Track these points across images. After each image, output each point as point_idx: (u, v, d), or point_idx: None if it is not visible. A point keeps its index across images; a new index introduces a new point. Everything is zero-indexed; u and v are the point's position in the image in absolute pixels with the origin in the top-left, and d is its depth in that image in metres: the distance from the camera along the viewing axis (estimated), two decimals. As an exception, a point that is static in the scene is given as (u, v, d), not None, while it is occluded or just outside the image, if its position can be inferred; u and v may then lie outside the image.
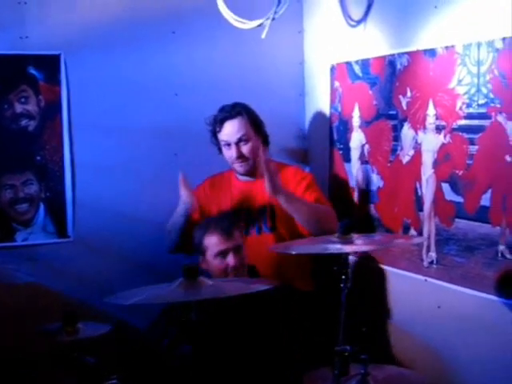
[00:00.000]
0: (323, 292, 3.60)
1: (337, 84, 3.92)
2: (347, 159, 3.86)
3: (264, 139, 3.79)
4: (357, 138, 3.78)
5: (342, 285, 2.67)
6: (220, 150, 3.76)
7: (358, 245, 2.74)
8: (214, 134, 3.74)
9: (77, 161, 3.80)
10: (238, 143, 3.67)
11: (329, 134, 4.00)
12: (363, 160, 3.73)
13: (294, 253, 2.73)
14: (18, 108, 3.67)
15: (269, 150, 3.74)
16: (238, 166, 3.73)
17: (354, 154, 3.80)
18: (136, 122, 3.82)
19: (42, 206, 3.75)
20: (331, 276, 2.70)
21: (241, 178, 3.79)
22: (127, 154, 3.76)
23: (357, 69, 3.74)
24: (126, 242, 3.86)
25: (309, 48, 4.19)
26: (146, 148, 3.83)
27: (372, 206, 3.68)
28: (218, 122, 3.70)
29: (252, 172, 3.76)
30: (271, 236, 3.71)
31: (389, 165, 3.53)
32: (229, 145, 3.69)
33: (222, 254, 3.30)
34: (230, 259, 3.27)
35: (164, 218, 3.72)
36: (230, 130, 3.68)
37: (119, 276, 3.83)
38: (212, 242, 3.32)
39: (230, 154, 3.71)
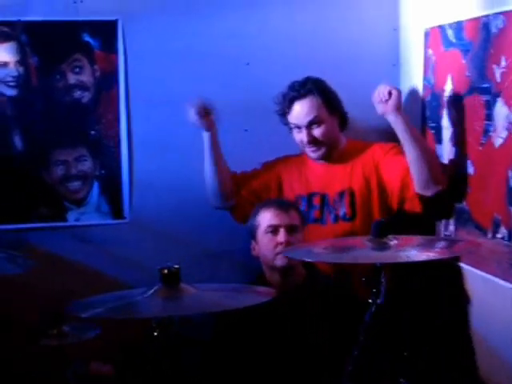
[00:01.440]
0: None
1: (430, 52, 3.39)
2: (439, 140, 3.33)
3: (341, 120, 3.36)
4: (448, 116, 3.25)
5: (370, 300, 2.20)
6: (291, 129, 3.36)
7: (394, 252, 2.22)
8: (284, 114, 3.34)
9: (134, 136, 3.51)
10: (309, 126, 3.27)
11: (421, 111, 3.47)
12: (454, 142, 3.20)
13: (307, 260, 2.22)
14: (72, 79, 3.43)
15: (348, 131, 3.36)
16: (310, 152, 3.33)
17: (446, 135, 3.27)
18: (202, 93, 3.41)
19: (95, 184, 3.50)
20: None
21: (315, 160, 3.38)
22: (191, 129, 3.38)
23: (450, 33, 3.21)
24: (186, 224, 3.54)
25: (404, 11, 3.65)
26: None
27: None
28: (286, 101, 3.31)
29: (327, 157, 3.35)
30: (349, 225, 3.28)
31: (480, 148, 3.00)
32: (299, 128, 3.29)
33: (273, 229, 2.99)
34: (281, 236, 2.94)
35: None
36: (300, 112, 3.28)
37: (178, 261, 3.51)
38: (265, 218, 3.04)
39: (300, 137, 3.31)
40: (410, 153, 3.09)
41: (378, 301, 2.19)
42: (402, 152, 3.18)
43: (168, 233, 3.52)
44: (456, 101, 3.16)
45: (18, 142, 3.40)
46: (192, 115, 3.21)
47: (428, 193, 3.10)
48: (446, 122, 3.27)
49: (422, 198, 3.13)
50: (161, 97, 3.48)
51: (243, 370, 2.75)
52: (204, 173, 3.34)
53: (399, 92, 3.10)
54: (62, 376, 2.27)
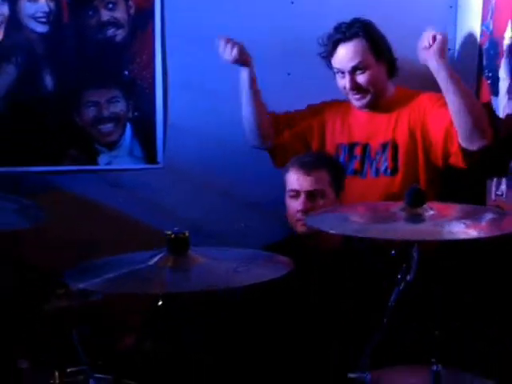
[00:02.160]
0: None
1: (490, -6, 3.10)
2: (495, 92, 3.06)
3: (390, 67, 3.13)
4: (507, 66, 2.98)
5: (398, 276, 2.01)
6: (335, 74, 3.15)
7: (430, 226, 2.00)
8: (327, 57, 3.13)
9: (170, 77, 3.32)
10: (352, 72, 3.06)
11: (478, 59, 3.20)
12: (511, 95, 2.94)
13: (332, 231, 1.99)
14: (105, 15, 3.24)
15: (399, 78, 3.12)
16: (354, 99, 3.13)
17: (503, 86, 3.00)
18: (243, 34, 3.17)
19: (128, 127, 3.33)
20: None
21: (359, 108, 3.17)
22: (231, 72, 3.19)
23: (513, -25, 2.91)
24: (223, 171, 3.36)
25: None
26: (255, 66, 3.16)
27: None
28: (330, 43, 3.09)
29: (372, 106, 3.13)
30: (391, 180, 3.08)
31: (539, 103, 2.75)
32: (342, 73, 3.08)
33: (295, 194, 2.80)
34: (300, 202, 2.75)
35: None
36: (344, 56, 3.07)
37: (214, 210, 3.39)
38: (289, 180, 2.84)
39: (343, 83, 3.10)
40: (452, 103, 2.85)
41: (408, 277, 1.98)
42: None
43: (203, 179, 3.36)
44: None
45: (48, 81, 3.24)
46: (229, 52, 3.02)
47: (473, 147, 2.87)
48: (503, 73, 3.00)
49: (467, 152, 2.91)
50: (199, 36, 3.25)
51: (271, 333, 2.59)
52: (242, 112, 3.16)
53: (444, 38, 2.84)
54: (68, 337, 2.14)
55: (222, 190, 3.38)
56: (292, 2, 3.33)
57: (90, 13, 3.24)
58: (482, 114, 2.88)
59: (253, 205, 3.36)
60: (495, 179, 3.05)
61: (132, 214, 3.34)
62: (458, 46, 3.39)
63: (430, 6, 3.39)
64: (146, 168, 3.37)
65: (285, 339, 2.48)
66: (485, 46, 3.15)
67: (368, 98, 3.10)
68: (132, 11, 3.26)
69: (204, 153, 3.35)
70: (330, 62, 3.13)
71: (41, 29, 3.22)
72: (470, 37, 3.27)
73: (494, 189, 3.06)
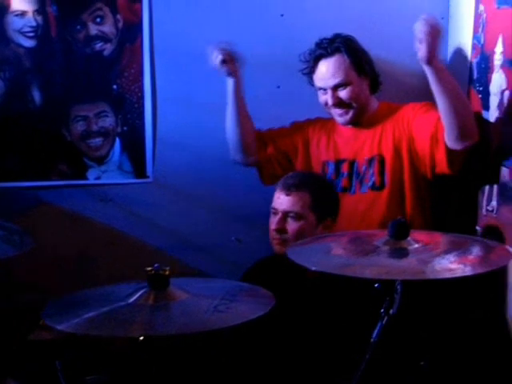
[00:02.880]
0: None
1: (481, 8, 3.07)
2: (486, 106, 3.03)
3: (372, 82, 3.11)
4: (497, 81, 2.95)
5: (381, 310, 1.99)
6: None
7: (415, 262, 1.97)
8: (309, 73, 3.12)
9: (158, 91, 3.31)
10: (334, 88, 3.04)
11: (468, 72, 3.17)
12: (502, 110, 2.91)
13: (313, 269, 1.96)
14: (93, 29, 3.23)
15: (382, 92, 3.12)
16: (337, 115, 3.11)
17: (494, 101, 2.97)
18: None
19: (117, 142, 3.32)
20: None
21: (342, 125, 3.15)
22: (219, 85, 3.17)
23: (504, -11, 2.88)
24: (213, 185, 3.36)
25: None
26: (243, 79, 3.15)
27: (506, 171, 2.87)
28: (312, 59, 3.08)
29: (356, 122, 3.11)
30: (378, 195, 3.07)
31: (529, 121, 2.72)
32: (325, 89, 3.06)
33: (274, 212, 2.78)
34: (274, 221, 2.74)
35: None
36: (325, 73, 3.05)
37: (205, 224, 3.39)
38: (274, 197, 2.81)
39: (324, 99, 3.08)
40: (442, 101, 2.80)
41: (391, 311, 1.97)
42: (433, 107, 2.92)
43: (193, 193, 3.36)
44: (506, 66, 2.86)
45: (36, 96, 3.24)
46: (215, 59, 2.98)
47: (458, 146, 2.85)
48: (494, 88, 2.97)
49: (452, 154, 2.88)
50: (188, 50, 3.24)
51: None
52: (226, 124, 3.14)
53: (436, 30, 2.70)
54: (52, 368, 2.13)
55: (213, 204, 3.38)
56: (282, 15, 3.30)
57: (78, 27, 3.22)
58: (469, 115, 2.85)
59: (244, 218, 3.35)
60: (486, 194, 3.04)
61: (122, 228, 3.35)
62: (448, 58, 3.36)
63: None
64: (136, 182, 3.36)
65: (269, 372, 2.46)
66: (476, 60, 3.12)
67: (351, 113, 3.07)
68: (120, 25, 3.24)
69: (194, 166, 3.34)
70: (311, 78, 3.11)
71: (28, 43, 3.21)
72: (461, 49, 3.24)
73: (484, 203, 3.05)
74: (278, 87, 3.33)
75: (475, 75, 3.12)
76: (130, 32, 3.25)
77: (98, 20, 3.22)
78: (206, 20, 3.26)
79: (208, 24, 3.25)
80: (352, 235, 2.35)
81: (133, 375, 2.31)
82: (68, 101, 3.26)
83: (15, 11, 3.18)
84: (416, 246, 2.02)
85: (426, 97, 3.03)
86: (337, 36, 3.04)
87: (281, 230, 2.73)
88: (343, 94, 3.03)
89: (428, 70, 2.75)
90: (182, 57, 3.26)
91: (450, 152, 2.88)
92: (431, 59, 2.71)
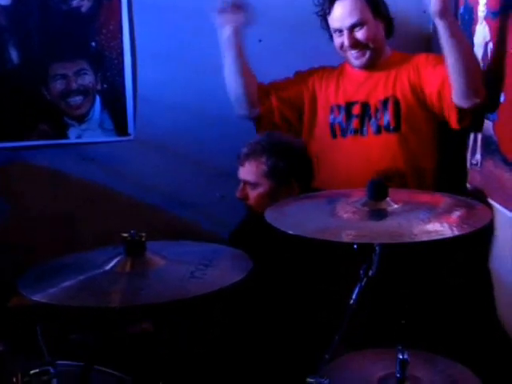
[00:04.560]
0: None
1: (465, -42, 3.01)
2: (470, 57, 3.00)
3: (387, 25, 3.07)
4: (481, 33, 2.92)
5: (361, 272, 1.98)
6: (331, 36, 3.09)
7: (394, 225, 1.93)
8: (324, 16, 3.06)
9: (138, 47, 3.25)
10: (351, 29, 2.99)
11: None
12: (486, 62, 2.87)
13: (290, 232, 1.94)
14: (69, -15, 3.16)
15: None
16: (354, 58, 3.06)
17: (478, 53, 2.93)
18: (213, 2, 3.13)
19: (98, 99, 3.28)
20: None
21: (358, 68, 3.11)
22: (200, 39, 3.14)
23: None
24: (194, 140, 3.33)
25: None
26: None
27: (490, 125, 2.85)
28: (327, 1, 3.02)
29: (372, 64, 3.07)
30: (393, 137, 3.03)
31: (514, 73, 2.68)
32: (341, 31, 3.01)
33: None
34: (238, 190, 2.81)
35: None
36: (341, 13, 2.99)
37: (188, 181, 3.37)
38: None
39: (340, 41, 3.04)
40: (450, 59, 2.76)
41: (370, 272, 1.96)
42: (443, 62, 2.85)
43: (175, 151, 3.33)
44: (490, 17, 2.82)
45: (13, 55, 3.17)
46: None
47: (466, 104, 2.82)
48: (478, 39, 2.94)
49: (460, 111, 2.86)
50: (167, 4, 3.19)
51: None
52: (226, 76, 3.08)
53: None
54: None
55: (195, 161, 3.36)
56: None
57: (54, -18, 3.15)
58: (478, 73, 2.80)
59: (226, 174, 3.29)
60: (470, 147, 3.02)
61: (104, 186, 3.32)
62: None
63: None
64: (117, 140, 3.32)
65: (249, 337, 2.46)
66: (460, 11, 3.08)
67: (367, 55, 3.04)
68: (97, -20, 3.17)
69: (175, 123, 3.31)
70: (325, 21, 3.07)
71: (4, 1, 3.13)
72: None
73: (469, 157, 3.03)
74: (260, 41, 3.27)
75: (460, 25, 3.08)
76: (108, -13, 3.19)
77: (75, -24, 3.15)
78: (184, -27, 3.19)
79: (186, -23, 3.19)
80: (330, 195, 2.33)
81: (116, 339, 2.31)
82: (46, 59, 3.21)
83: (-12, -32, 3.11)
84: (395, 206, 2.00)
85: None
86: None
87: (243, 197, 2.79)
88: (360, 34, 2.99)
89: (440, 24, 2.70)
90: (161, 12, 3.20)
91: (457, 109, 2.85)
92: (444, 12, 2.66)
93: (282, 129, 3.16)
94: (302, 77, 3.21)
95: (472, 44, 2.95)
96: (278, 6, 3.15)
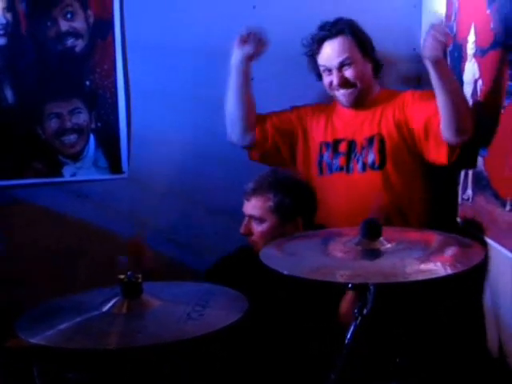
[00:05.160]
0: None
1: (453, -4, 3.07)
2: (460, 94, 3.04)
3: (375, 65, 3.13)
4: (470, 70, 2.96)
5: (355, 311, 1.99)
6: (319, 76, 3.15)
7: (388, 265, 1.96)
8: (313, 56, 3.12)
9: (132, 86, 3.29)
10: (339, 68, 3.04)
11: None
12: (475, 100, 2.91)
13: (285, 273, 1.96)
14: (64, 25, 3.19)
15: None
16: (342, 95, 3.10)
17: (467, 90, 2.98)
18: (204, 41, 3.19)
19: (92, 138, 3.30)
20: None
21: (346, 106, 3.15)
22: (191, 78, 3.19)
23: (475, -23, 2.88)
24: (186, 178, 3.36)
25: None
26: (215, 72, 3.16)
27: (480, 160, 2.88)
28: (316, 42, 3.08)
29: (360, 102, 3.11)
30: (378, 174, 3.06)
31: (502, 111, 2.71)
32: (329, 70, 3.06)
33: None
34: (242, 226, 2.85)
35: (232, 153, 3.25)
36: (331, 52, 3.05)
37: (182, 218, 3.40)
38: None
39: (329, 80, 3.09)
40: (440, 97, 2.80)
41: (365, 311, 1.98)
42: (431, 97, 2.89)
43: (168, 187, 3.36)
44: (479, 55, 2.87)
45: (9, 94, 3.20)
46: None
47: (454, 141, 2.85)
48: (467, 77, 2.98)
49: (449, 147, 2.89)
50: (160, 44, 3.23)
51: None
52: (228, 102, 3.13)
53: (440, 31, 2.70)
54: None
55: (189, 198, 3.38)
56: (254, 7, 3.28)
57: (49, 23, 3.18)
58: (467, 112, 2.84)
59: (221, 211, 3.33)
60: (461, 182, 3.05)
61: (99, 223, 3.33)
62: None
63: (395, 6, 3.35)
64: (111, 178, 3.35)
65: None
66: (449, 48, 3.12)
67: (355, 93, 3.08)
68: (91, 21, 3.21)
69: (168, 161, 3.34)
70: (314, 61, 3.12)
71: (-1, 41, 3.18)
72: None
73: (460, 192, 3.06)
74: (252, 79, 3.28)
75: (449, 64, 3.11)
76: (102, 27, 3.22)
77: (69, 16, 3.18)
78: (177, 13, 3.24)
79: (178, 18, 3.24)
80: (324, 235, 2.35)
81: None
82: (41, 98, 3.23)
83: (-16, 9, 3.15)
84: (388, 245, 2.03)
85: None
86: (339, 19, 3.06)
87: (247, 233, 2.81)
88: (348, 72, 3.04)
89: (430, 66, 2.74)
90: (155, 51, 3.24)
91: (446, 144, 2.88)
92: (435, 57, 2.70)
93: (272, 158, 3.23)
94: (297, 112, 3.26)
95: (461, 81, 3.00)
96: (275, 44, 3.17)
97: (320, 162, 3.16)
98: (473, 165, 2.91)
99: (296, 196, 2.81)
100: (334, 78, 3.05)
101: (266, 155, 3.24)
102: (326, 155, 3.14)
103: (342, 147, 3.12)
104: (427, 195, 3.11)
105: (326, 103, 3.24)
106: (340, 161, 3.11)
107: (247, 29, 3.00)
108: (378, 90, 3.17)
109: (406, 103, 3.05)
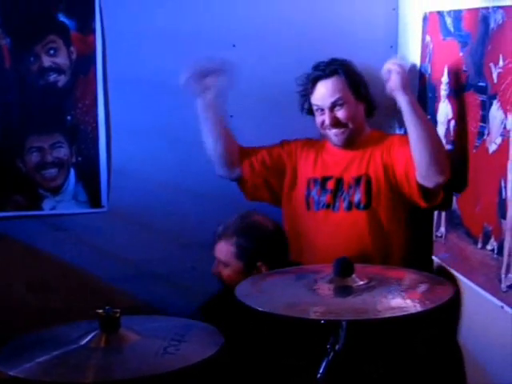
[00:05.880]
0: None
1: (428, 39, 3.15)
2: (433, 134, 3.11)
3: (367, 106, 3.18)
4: (443, 111, 3.04)
5: (328, 346, 2.03)
6: (311, 112, 3.19)
7: (359, 302, 2.00)
8: (306, 96, 3.17)
9: (112, 122, 3.33)
10: (332, 108, 3.09)
11: (417, 100, 3.22)
12: (449, 139, 2.99)
13: (260, 309, 2.00)
14: (46, 61, 3.23)
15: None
16: (333, 135, 3.15)
17: (440, 130, 3.05)
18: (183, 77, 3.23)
19: (72, 172, 3.34)
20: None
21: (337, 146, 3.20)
22: (170, 114, 3.25)
23: (449, 22, 2.96)
24: (166, 213, 3.39)
25: (402, -10, 3.39)
26: (194, 109, 3.17)
27: (454, 200, 2.95)
28: (310, 81, 3.13)
29: (350, 143, 3.16)
30: (363, 214, 3.09)
31: (474, 151, 2.78)
32: (322, 110, 3.11)
33: None
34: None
35: (210, 189, 3.32)
36: (323, 92, 3.11)
37: (160, 252, 3.43)
38: None
39: (321, 119, 3.13)
40: (411, 136, 2.87)
41: (337, 347, 2.02)
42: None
43: (148, 223, 3.39)
44: (452, 96, 2.94)
45: (-10, 127, 3.24)
46: (185, 79, 3.04)
47: (429, 183, 2.90)
48: (441, 117, 3.05)
49: (424, 190, 2.94)
50: (141, 80, 3.27)
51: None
52: (204, 139, 3.17)
53: (402, 68, 2.87)
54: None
55: (167, 233, 3.41)
56: (234, 46, 3.34)
57: (32, 59, 3.22)
58: (441, 151, 2.89)
59: (199, 245, 3.35)
60: (435, 220, 3.11)
61: (77, 258, 3.36)
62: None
63: (372, 45, 3.42)
64: (91, 212, 3.38)
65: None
66: (424, 88, 3.20)
67: (346, 133, 3.12)
68: (74, 56, 3.26)
69: (148, 195, 3.38)
70: (308, 100, 3.17)
71: (-18, 76, 3.21)
72: (411, 78, 3.28)
73: (434, 230, 3.11)
74: (231, 116, 3.33)
75: (423, 104, 3.19)
76: (84, 63, 3.27)
77: (52, 52, 3.23)
78: (158, 50, 3.28)
79: (160, 54, 3.28)
80: (298, 272, 2.40)
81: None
82: (23, 132, 3.27)
83: (-32, 44, 3.19)
84: (360, 283, 2.07)
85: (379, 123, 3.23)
86: (334, 59, 3.12)
87: (216, 275, 2.93)
88: (340, 113, 3.08)
89: (399, 101, 2.83)
90: (136, 86, 3.28)
91: (421, 188, 2.93)
92: (402, 88, 2.80)
93: (264, 192, 3.27)
94: (287, 147, 3.29)
95: (435, 122, 3.07)
96: (247, 81, 3.23)
97: (308, 198, 3.19)
98: (448, 207, 2.97)
99: (259, 241, 2.90)
100: (326, 118, 3.09)
101: (256, 191, 3.28)
102: (314, 191, 3.18)
103: (330, 184, 3.16)
104: (408, 234, 3.15)
105: (315, 139, 3.28)
106: (327, 198, 3.15)
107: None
108: (369, 130, 3.22)
109: (393, 146, 3.10)
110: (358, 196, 3.10)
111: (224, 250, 2.92)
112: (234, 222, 2.93)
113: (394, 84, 2.84)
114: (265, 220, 3.02)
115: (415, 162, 2.90)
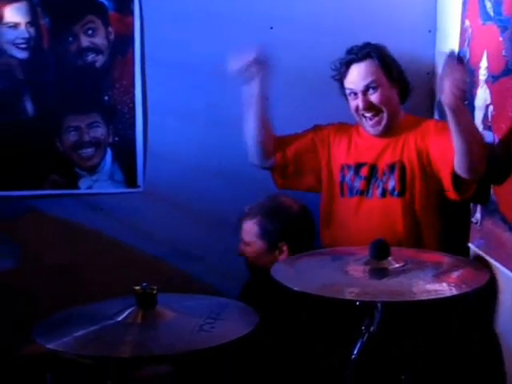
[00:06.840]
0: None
1: (467, 23, 3.12)
2: (472, 120, 3.08)
3: (402, 89, 3.13)
4: (482, 96, 3.00)
5: (362, 328, 2.04)
6: (346, 98, 3.16)
7: (395, 284, 2.01)
8: (341, 80, 3.14)
9: (149, 102, 3.35)
10: (365, 91, 3.06)
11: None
12: (486, 125, 2.96)
13: (296, 289, 2.02)
14: (85, 41, 3.27)
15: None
16: (370, 126, 3.11)
17: (478, 116, 3.02)
18: (221, 60, 3.22)
19: (109, 152, 3.37)
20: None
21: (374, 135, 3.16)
22: (207, 97, 3.26)
23: (488, 6, 2.92)
24: (201, 194, 3.41)
25: (444, -27, 3.36)
26: (232, 91, 3.17)
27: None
28: (343, 65, 3.10)
29: (386, 131, 3.12)
30: (398, 201, 3.06)
31: (513, 136, 2.76)
32: (355, 94, 3.09)
33: None
34: None
35: (244, 172, 3.32)
36: (356, 76, 3.07)
37: (193, 232, 3.45)
38: None
39: (355, 104, 3.10)
40: (457, 142, 2.78)
41: (372, 329, 2.02)
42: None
43: (182, 203, 3.41)
44: (491, 81, 2.91)
45: (29, 107, 3.28)
46: (235, 66, 3.00)
47: (466, 176, 2.85)
48: (479, 102, 3.02)
49: (457, 183, 2.91)
50: (178, 61, 3.30)
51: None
52: (245, 127, 3.15)
53: (460, 92, 2.67)
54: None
55: (202, 214, 3.42)
56: (271, 28, 3.34)
57: (70, 39, 3.26)
58: (483, 153, 2.82)
59: (231, 228, 3.37)
60: (471, 205, 3.09)
61: (113, 236, 3.39)
62: (435, 71, 3.41)
63: (410, 29, 3.40)
64: (127, 192, 3.40)
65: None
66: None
67: (383, 123, 3.08)
68: (112, 37, 3.28)
69: (183, 176, 3.40)
70: (342, 84, 3.14)
71: (21, 55, 3.25)
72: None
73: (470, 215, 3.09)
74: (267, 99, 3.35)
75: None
76: (122, 44, 3.30)
77: (90, 32, 3.26)
78: (196, 32, 3.30)
79: (198, 36, 3.30)
80: (335, 253, 2.40)
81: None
82: (60, 112, 3.31)
83: (8, 23, 3.22)
84: (396, 265, 2.07)
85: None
86: (367, 43, 3.08)
87: (241, 254, 3.01)
88: (374, 97, 3.05)
89: (449, 113, 2.72)
90: (173, 68, 3.31)
91: (458, 180, 2.90)
92: (456, 104, 2.67)
93: (296, 181, 3.25)
94: (320, 133, 3.27)
95: (473, 107, 3.04)
96: (284, 65, 3.22)
97: (342, 184, 3.17)
98: (485, 200, 2.94)
99: (283, 223, 2.94)
100: (360, 102, 3.06)
101: (289, 180, 3.27)
102: (348, 177, 3.16)
103: (364, 171, 3.13)
104: (442, 222, 3.12)
105: (349, 124, 3.25)
106: (361, 184, 3.12)
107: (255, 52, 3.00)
108: (404, 115, 3.18)
109: (428, 132, 3.06)
110: (392, 183, 3.08)
111: (248, 229, 2.97)
112: (260, 204, 2.98)
113: (447, 103, 2.70)
114: (291, 202, 3.04)
115: (456, 157, 2.82)
